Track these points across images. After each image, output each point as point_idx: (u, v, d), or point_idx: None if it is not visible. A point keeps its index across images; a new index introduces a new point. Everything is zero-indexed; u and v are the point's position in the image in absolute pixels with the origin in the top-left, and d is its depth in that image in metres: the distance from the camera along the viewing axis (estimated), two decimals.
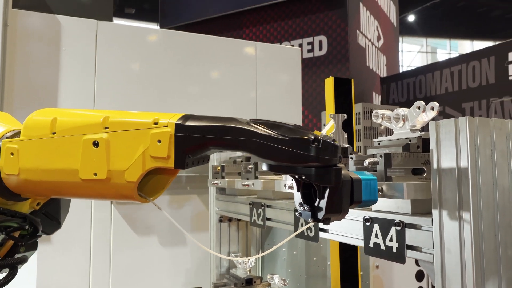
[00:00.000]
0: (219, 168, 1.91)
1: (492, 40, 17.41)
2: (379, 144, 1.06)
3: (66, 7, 2.47)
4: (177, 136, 0.72)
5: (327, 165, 0.74)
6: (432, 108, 0.95)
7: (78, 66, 2.47)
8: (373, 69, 6.55)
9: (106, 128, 0.74)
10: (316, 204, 0.78)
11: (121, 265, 2.45)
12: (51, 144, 0.75)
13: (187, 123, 0.73)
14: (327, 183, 0.75)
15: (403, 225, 0.90)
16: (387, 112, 1.06)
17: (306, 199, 0.82)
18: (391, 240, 0.93)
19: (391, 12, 8.20)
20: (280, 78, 3.10)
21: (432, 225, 0.83)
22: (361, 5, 6.08)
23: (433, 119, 0.96)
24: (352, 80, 1.82)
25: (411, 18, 15.66)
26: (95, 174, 0.73)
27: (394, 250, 0.92)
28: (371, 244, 0.99)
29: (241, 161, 1.93)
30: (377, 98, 6.11)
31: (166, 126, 0.73)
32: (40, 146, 0.75)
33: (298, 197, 0.83)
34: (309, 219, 0.80)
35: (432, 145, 0.83)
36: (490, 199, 0.78)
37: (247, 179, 1.59)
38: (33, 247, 0.89)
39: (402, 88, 5.30)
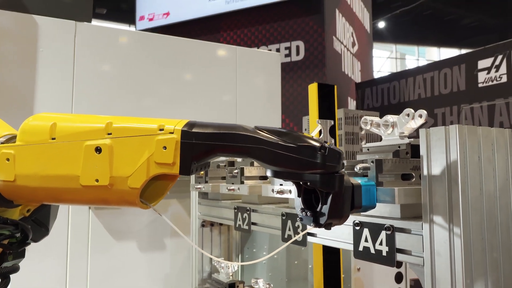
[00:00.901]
0: (202, 172, 1.91)
1: (458, 48, 18.08)
2: (368, 149, 1.08)
3: (43, 7, 2.41)
4: (183, 142, 0.73)
5: (331, 171, 0.75)
6: (420, 116, 0.98)
7: (56, 67, 2.41)
8: (348, 75, 6.67)
9: (109, 134, 0.73)
10: (318, 209, 0.80)
11: (99, 271, 2.40)
12: (51, 150, 0.74)
13: (194, 130, 0.74)
14: (331, 189, 0.76)
15: (393, 229, 0.93)
16: (376, 119, 1.08)
17: (307, 204, 0.83)
18: (381, 244, 0.96)
19: (365, 19, 8.38)
20: (260, 83, 3.12)
21: (422, 229, 0.85)
22: (337, 11, 6.19)
23: (421, 126, 0.99)
24: (336, 86, 1.85)
25: (381, 24, 16.04)
26: (97, 181, 0.72)
27: (384, 253, 0.95)
28: (360, 248, 1.01)
29: (225, 165, 1.94)
30: (352, 103, 6.22)
31: (172, 133, 0.73)
32: (39, 151, 0.74)
33: (299, 202, 0.84)
34: (311, 224, 0.82)
35: (423, 151, 0.86)
36: (478, 203, 0.81)
37: (233, 183, 1.60)
38: (21, 255, 0.87)
39: (376, 94, 5.41)
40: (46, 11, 2.47)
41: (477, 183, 0.81)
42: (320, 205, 0.80)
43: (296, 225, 1.28)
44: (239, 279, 2.20)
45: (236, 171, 1.59)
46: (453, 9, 15.63)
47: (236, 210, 1.65)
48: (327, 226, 0.82)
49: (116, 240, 2.47)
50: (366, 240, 1.00)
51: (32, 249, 0.89)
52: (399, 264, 2.02)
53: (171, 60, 2.76)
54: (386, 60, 18.15)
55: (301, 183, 0.84)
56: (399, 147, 1.00)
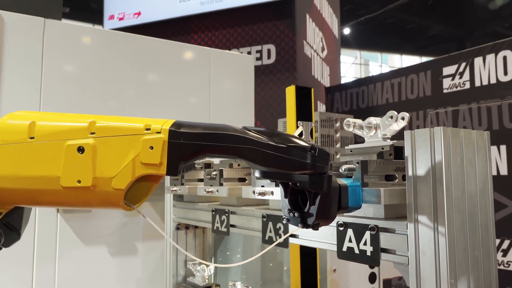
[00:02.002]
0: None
1: (419, 55, 18.77)
2: (351, 151, 1.10)
3: (10, 2, 2.31)
4: (171, 142, 0.71)
5: (320, 172, 0.76)
6: (403, 118, 1.00)
7: (23, 65, 2.32)
8: (318, 79, 6.76)
9: (93, 133, 0.71)
10: (306, 210, 0.80)
11: (67, 277, 2.31)
12: (29, 150, 0.70)
13: (182, 130, 0.72)
14: (319, 189, 0.77)
15: (377, 229, 0.94)
16: (359, 121, 1.10)
17: (294, 205, 0.83)
18: (365, 244, 0.97)
19: (334, 25, 8.54)
20: (234, 86, 3.11)
21: (407, 228, 0.87)
22: (307, 16, 6.27)
23: (403, 128, 1.01)
24: (312, 89, 1.87)
25: (346, 31, 16.40)
26: (79, 182, 0.69)
27: (369, 253, 0.96)
28: (344, 249, 1.03)
29: (201, 167, 1.92)
30: (321, 107, 6.32)
31: (159, 133, 0.71)
32: (16, 151, 0.70)
33: (285, 203, 0.84)
34: (299, 225, 0.82)
35: (408, 152, 0.88)
36: (461, 203, 0.84)
37: (211, 185, 1.58)
38: None
39: (346, 98, 5.51)
40: (13, 7, 2.38)
41: (460, 183, 0.84)
42: (308, 206, 0.81)
43: (278, 226, 1.28)
44: (214, 282, 2.18)
45: (214, 173, 1.58)
46: (415, 18, 16.20)
47: (214, 213, 1.63)
48: (315, 226, 0.82)
49: (85, 245, 2.39)
50: (350, 241, 1.01)
51: None
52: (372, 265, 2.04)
53: (144, 61, 2.71)
54: (351, 65, 18.56)
55: (289, 183, 0.84)
56: (382, 148, 1.02)
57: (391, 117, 1.01)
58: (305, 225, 0.82)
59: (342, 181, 0.87)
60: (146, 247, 2.56)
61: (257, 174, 0.78)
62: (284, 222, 0.89)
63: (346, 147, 1.13)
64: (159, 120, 0.73)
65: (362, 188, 0.91)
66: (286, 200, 0.85)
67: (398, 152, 1.02)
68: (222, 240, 2.39)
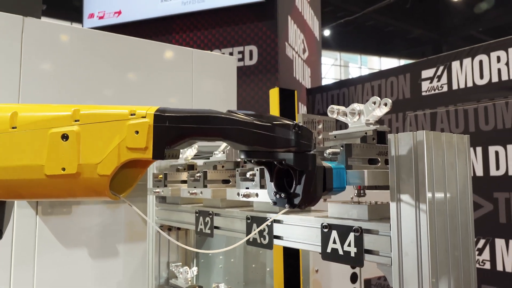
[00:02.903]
0: (161, 176, 1.87)
1: (397, 58, 19.13)
2: (335, 137, 1.12)
3: None
4: (157, 126, 0.71)
5: (304, 150, 0.78)
6: (386, 104, 1.02)
7: (1, 64, 2.27)
8: (299, 80, 6.81)
9: (77, 120, 0.70)
10: (292, 190, 0.82)
11: (46, 280, 2.27)
12: (11, 140, 0.69)
13: (167, 114, 0.73)
14: (304, 167, 0.79)
15: (361, 231, 0.96)
16: (342, 108, 1.12)
17: (279, 188, 0.85)
18: (349, 245, 0.99)
19: (315, 27, 8.60)
20: (216, 86, 3.11)
21: (390, 230, 0.89)
22: (289, 18, 6.30)
23: (386, 113, 1.04)
24: (296, 91, 1.89)
25: (326, 32, 16.57)
26: (63, 169, 0.69)
27: (353, 254, 0.98)
28: (328, 250, 1.04)
29: (184, 169, 1.91)
30: (302, 109, 6.36)
31: (144, 117, 0.72)
32: None
33: (271, 187, 0.87)
34: (286, 205, 0.84)
35: (391, 156, 0.89)
36: (442, 206, 0.86)
37: (195, 187, 1.58)
38: None
39: (326, 99, 5.56)
40: None
41: (442, 186, 0.86)
42: (294, 186, 0.82)
43: (262, 228, 1.29)
44: (196, 284, 2.17)
45: (198, 174, 1.57)
46: (393, 21, 16.51)
47: (197, 214, 1.63)
48: (301, 206, 0.84)
49: (65, 246, 2.35)
50: (334, 242, 1.02)
51: None
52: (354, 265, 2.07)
53: (125, 61, 2.69)
54: (330, 67, 18.75)
55: (274, 167, 0.87)
56: (366, 133, 1.05)
57: (374, 102, 1.03)
58: (292, 205, 0.84)
59: (326, 163, 0.89)
60: (127, 249, 2.54)
61: (242, 155, 0.79)
62: (271, 204, 0.91)
63: (330, 133, 1.16)
64: (144, 107, 0.74)
65: (346, 170, 0.94)
66: (272, 184, 0.87)
67: (381, 136, 1.05)
68: (204, 241, 2.39)
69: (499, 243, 3.44)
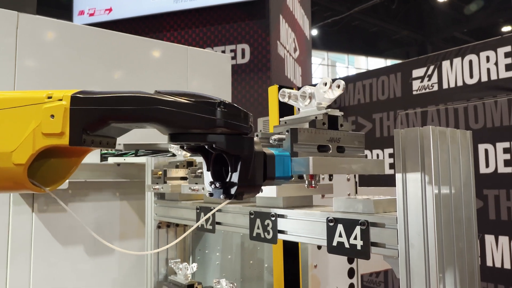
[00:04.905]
0: (160, 172, 1.88)
1: (384, 58, 19.33)
2: (285, 122, 1.07)
3: None
4: (73, 109, 0.65)
5: (238, 132, 0.71)
6: (338, 86, 0.97)
7: None
8: (291, 79, 6.85)
9: None
10: (228, 179, 0.74)
11: (43, 277, 2.26)
12: None
13: (85, 95, 0.67)
14: (238, 152, 0.72)
15: (367, 224, 0.98)
16: (294, 91, 1.06)
17: (217, 177, 0.78)
18: (355, 238, 1.01)
19: (305, 26, 8.65)
20: (211, 84, 3.12)
21: (397, 223, 0.92)
22: (280, 17, 6.33)
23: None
24: (294, 89, 1.90)
25: (314, 32, 16.65)
26: None
27: (359, 247, 1.00)
28: (334, 243, 1.06)
29: (183, 165, 1.92)
30: (294, 107, 6.39)
31: (61, 100, 0.66)
32: None
33: (208, 176, 0.79)
34: (221, 196, 0.76)
35: (397, 152, 0.92)
36: (447, 199, 0.89)
37: (196, 183, 1.59)
38: None
39: None
40: None
41: (447, 180, 0.89)
42: (230, 174, 0.75)
43: (266, 223, 1.31)
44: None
45: (199, 170, 1.58)
46: (378, 22, 16.67)
47: (198, 211, 1.64)
48: (239, 196, 0.77)
49: (61, 244, 2.34)
50: (340, 236, 1.05)
51: None
52: (351, 261, 2.11)
53: (120, 58, 2.68)
54: (318, 66, 18.84)
55: (210, 154, 0.78)
56: (316, 117, 0.98)
57: (325, 84, 0.97)
58: (228, 195, 0.76)
59: (269, 150, 0.82)
60: (123, 246, 2.53)
61: (172, 140, 0.72)
62: (207, 196, 0.83)
63: (280, 119, 1.09)
64: (66, 90, 0.69)
65: (291, 158, 0.87)
66: (209, 173, 0.79)
67: (333, 121, 0.98)
68: (201, 239, 2.40)
69: (489, 239, 3.52)
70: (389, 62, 18.53)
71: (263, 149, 0.79)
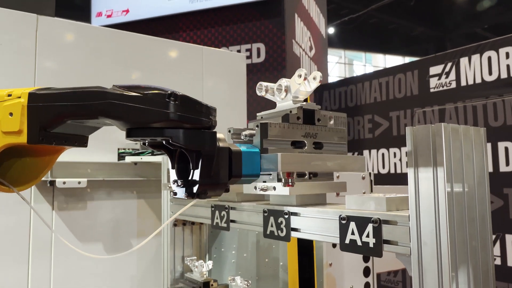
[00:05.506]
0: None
1: (402, 55, 19.08)
2: (261, 118, 1.02)
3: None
4: (30, 106, 0.64)
5: (199, 127, 0.67)
6: (315, 78, 0.92)
7: (16, 62, 2.31)
8: None
9: None
10: (190, 177, 0.70)
11: (62, 274, 2.31)
12: None
13: (42, 92, 0.65)
14: (199, 147, 0.67)
15: (380, 221, 0.98)
16: (270, 85, 1.01)
17: (181, 174, 0.74)
18: (367, 236, 1.01)
19: (321, 24, 8.61)
20: (226, 84, 3.14)
21: (409, 221, 0.91)
22: (296, 15, 6.32)
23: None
24: None
25: (330, 30, 16.55)
26: None
27: (371, 245, 1.00)
28: (347, 241, 1.07)
29: None
30: None
31: (19, 97, 0.65)
32: None
33: (173, 174, 0.75)
34: (183, 195, 0.72)
35: (409, 149, 0.92)
36: (460, 197, 0.88)
37: None
38: None
39: (334, 96, 5.57)
40: (5, 3, 2.36)
41: (459, 178, 0.88)
42: (191, 171, 0.71)
43: (279, 221, 1.31)
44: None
45: None
46: (395, 19, 16.46)
47: (213, 209, 1.66)
48: (202, 195, 0.72)
49: (81, 241, 2.40)
50: (352, 233, 1.05)
51: None
52: (366, 259, 2.10)
53: (137, 58, 2.72)
54: (335, 65, 18.72)
55: (174, 150, 0.74)
56: (290, 111, 0.93)
57: (300, 75, 0.92)
58: (191, 194, 0.72)
59: (236, 146, 0.78)
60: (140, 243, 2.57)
61: (128, 135, 0.69)
62: (171, 196, 0.78)
63: (257, 114, 1.03)
64: (27, 88, 0.67)
65: (261, 154, 0.83)
66: (174, 171, 0.75)
67: (309, 115, 0.92)
68: (217, 237, 2.42)
69: (510, 238, 3.46)
70: (407, 59, 18.30)
71: (230, 145, 0.75)
